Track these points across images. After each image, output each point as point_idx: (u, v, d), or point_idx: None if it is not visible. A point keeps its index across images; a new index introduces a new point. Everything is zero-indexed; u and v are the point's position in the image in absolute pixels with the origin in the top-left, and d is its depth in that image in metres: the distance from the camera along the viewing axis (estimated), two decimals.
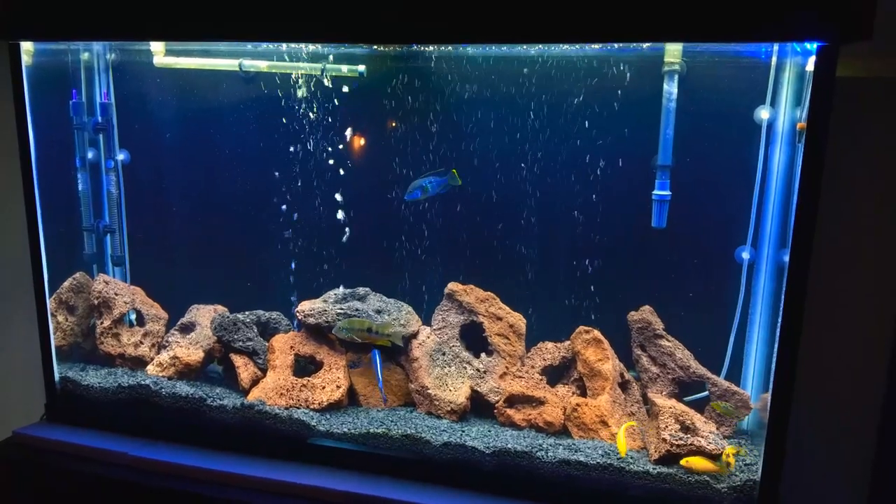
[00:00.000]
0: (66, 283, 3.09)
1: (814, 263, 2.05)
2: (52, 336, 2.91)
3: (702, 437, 2.33)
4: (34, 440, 2.76)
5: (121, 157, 3.16)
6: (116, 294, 3.08)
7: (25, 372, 3.17)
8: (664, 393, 2.67)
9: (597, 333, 2.71)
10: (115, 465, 2.64)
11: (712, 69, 2.55)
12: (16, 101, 2.69)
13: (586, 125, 2.70)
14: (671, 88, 2.53)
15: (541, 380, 2.77)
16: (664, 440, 2.33)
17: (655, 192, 2.61)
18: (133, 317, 3.16)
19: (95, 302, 3.05)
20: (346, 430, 2.59)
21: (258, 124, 3.02)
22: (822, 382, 2.65)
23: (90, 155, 3.12)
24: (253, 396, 2.73)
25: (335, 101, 2.92)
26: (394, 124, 2.91)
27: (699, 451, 2.28)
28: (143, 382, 2.80)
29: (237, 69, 2.92)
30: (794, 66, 2.42)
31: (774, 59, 2.46)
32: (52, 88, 2.99)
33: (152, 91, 3.09)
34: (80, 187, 3.11)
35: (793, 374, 2.11)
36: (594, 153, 2.72)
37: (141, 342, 3.06)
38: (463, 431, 2.57)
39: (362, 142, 3.00)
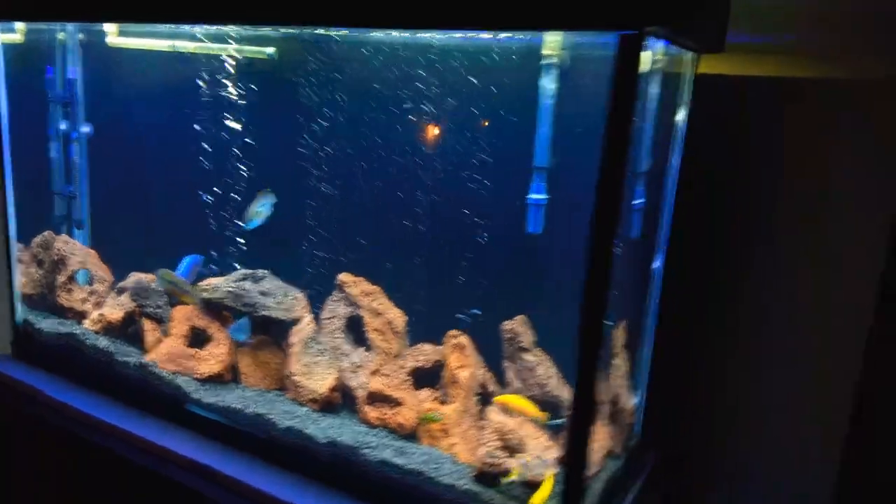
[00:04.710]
0: (36, 239, 3.46)
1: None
2: (14, 275, 3.29)
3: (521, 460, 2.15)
4: None
5: (85, 129, 3.47)
6: (72, 254, 3.40)
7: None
8: None
9: (462, 339, 2.57)
10: (41, 404, 2.95)
11: (597, 64, 2.31)
12: None
13: (458, 122, 2.56)
14: (548, 83, 2.33)
15: (406, 380, 2.67)
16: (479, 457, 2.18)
17: (531, 195, 2.43)
18: (89, 276, 3.47)
19: (55, 258, 3.40)
20: (212, 400, 2.69)
21: (192, 104, 3.16)
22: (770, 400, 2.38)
23: (63, 126, 3.47)
24: (149, 358, 2.91)
25: (251, 84, 3.01)
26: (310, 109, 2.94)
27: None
28: (72, 332, 3.10)
29: (172, 49, 3.09)
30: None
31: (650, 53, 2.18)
32: (32, 64, 3.36)
33: (109, 69, 3.36)
34: (52, 155, 3.47)
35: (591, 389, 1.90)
36: (469, 153, 2.57)
37: (87, 299, 3.36)
38: (312, 420, 2.57)
39: (288, 125, 3.05)
